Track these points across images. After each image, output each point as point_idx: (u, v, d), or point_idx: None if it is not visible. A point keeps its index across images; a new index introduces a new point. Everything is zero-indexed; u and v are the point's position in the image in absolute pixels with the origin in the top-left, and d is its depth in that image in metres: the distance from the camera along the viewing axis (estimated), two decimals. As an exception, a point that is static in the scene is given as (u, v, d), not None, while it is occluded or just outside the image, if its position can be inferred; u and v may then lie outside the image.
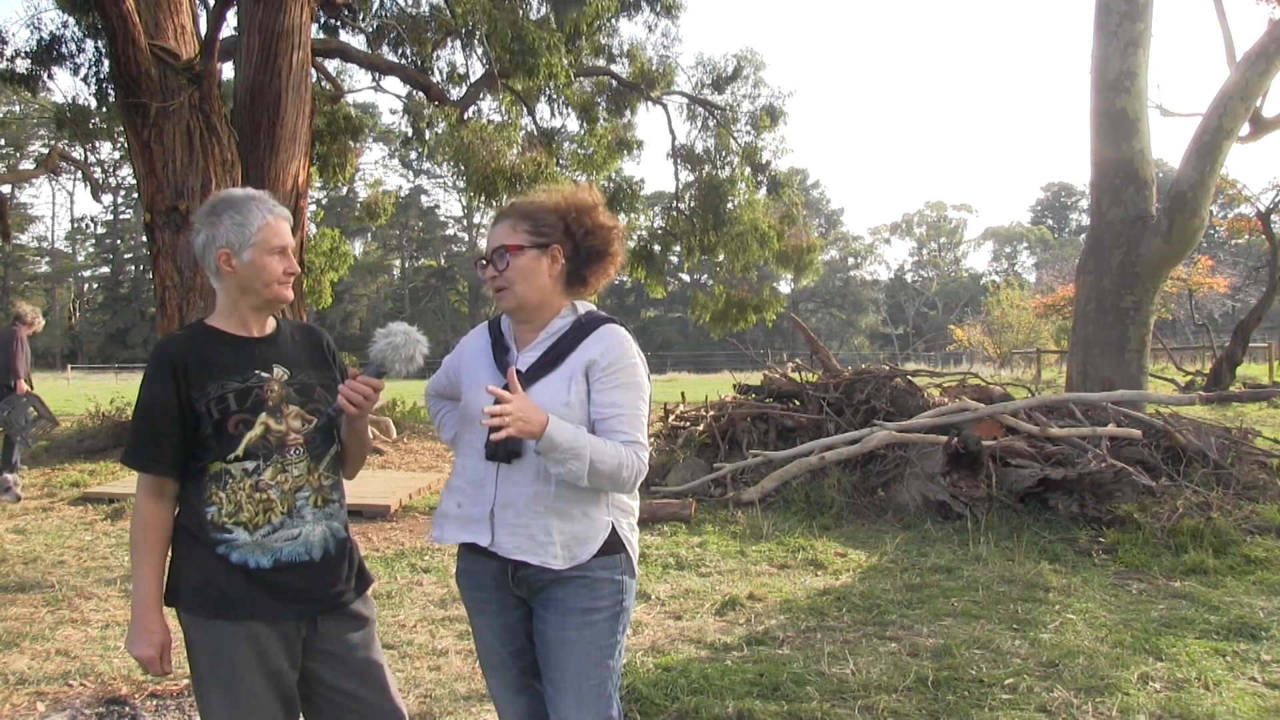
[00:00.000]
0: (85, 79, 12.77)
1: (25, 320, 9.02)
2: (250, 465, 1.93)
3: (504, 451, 1.96)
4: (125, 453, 1.95)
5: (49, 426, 9.14)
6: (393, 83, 23.35)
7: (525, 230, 2.05)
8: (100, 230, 64.71)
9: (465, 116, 14.52)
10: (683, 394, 11.40)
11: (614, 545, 2.03)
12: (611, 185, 17.34)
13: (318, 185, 19.67)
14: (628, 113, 17.95)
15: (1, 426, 8.79)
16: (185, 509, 1.96)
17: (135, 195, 24.10)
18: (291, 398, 2.00)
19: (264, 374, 1.99)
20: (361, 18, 15.14)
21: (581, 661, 2.00)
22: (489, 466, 2.01)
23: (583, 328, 2.06)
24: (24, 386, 8.79)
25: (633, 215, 18.08)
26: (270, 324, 2.08)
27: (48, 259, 64.66)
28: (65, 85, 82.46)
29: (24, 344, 8.87)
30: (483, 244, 2.17)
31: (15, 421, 8.57)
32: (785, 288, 54.57)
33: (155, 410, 1.91)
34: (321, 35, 13.96)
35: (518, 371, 2.03)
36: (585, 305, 2.14)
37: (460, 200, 61.28)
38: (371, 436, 10.87)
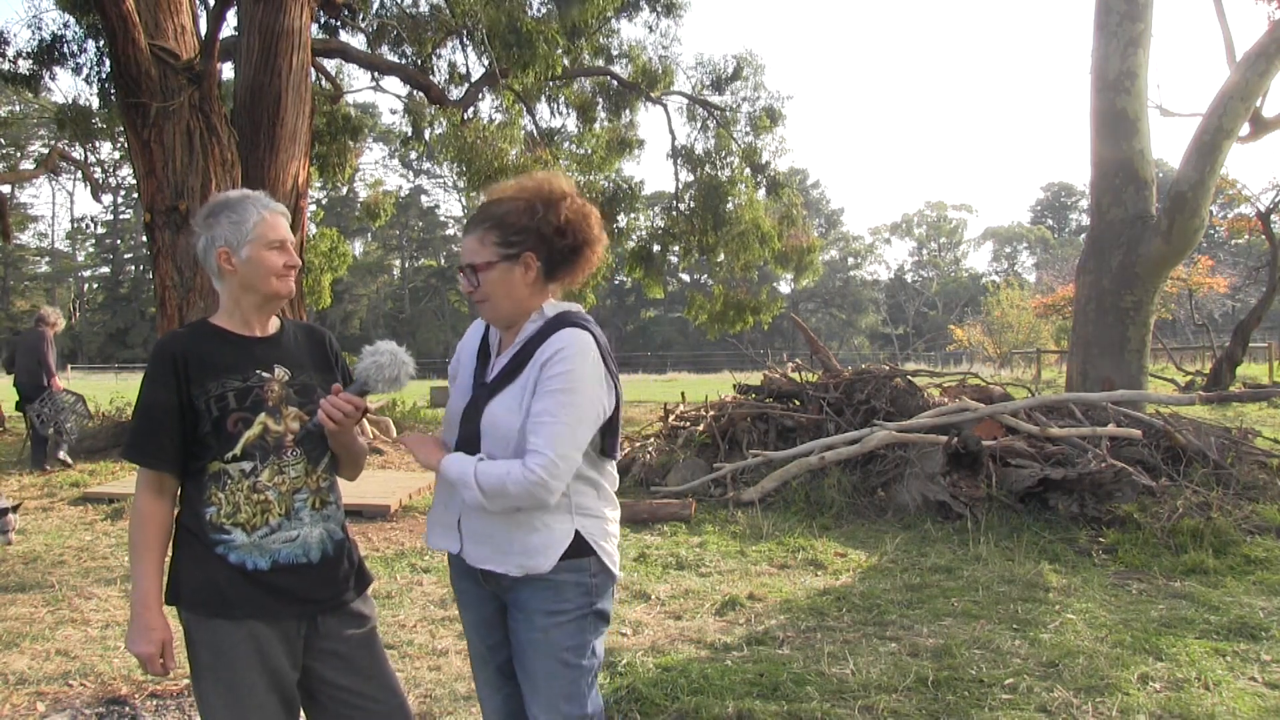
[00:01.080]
0: (86, 79, 12.83)
1: (49, 321, 9.65)
2: (247, 466, 1.93)
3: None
4: (126, 447, 1.95)
5: (83, 421, 9.72)
6: (393, 83, 23.37)
7: (494, 242, 1.98)
8: (100, 230, 64.71)
9: (465, 116, 14.53)
10: (683, 394, 11.40)
11: (580, 549, 1.98)
12: (611, 185, 17.35)
13: (317, 185, 19.67)
14: (627, 113, 17.97)
15: (38, 421, 9.21)
16: (186, 509, 1.97)
17: (135, 195, 24.09)
18: (291, 399, 2.01)
19: (265, 374, 1.99)
20: (361, 18, 15.15)
21: (549, 663, 1.99)
22: None
23: (544, 333, 1.99)
24: (59, 384, 9.43)
25: (632, 215, 18.09)
26: (274, 324, 2.09)
27: (48, 259, 64.62)
28: (66, 85, 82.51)
29: (51, 344, 9.48)
30: None
31: (57, 419, 9.16)
32: (785, 288, 54.61)
33: (156, 406, 1.92)
34: (321, 35, 13.97)
35: (484, 384, 2.04)
36: (558, 306, 2.06)
37: (460, 200, 61.22)
38: (371, 437, 10.88)
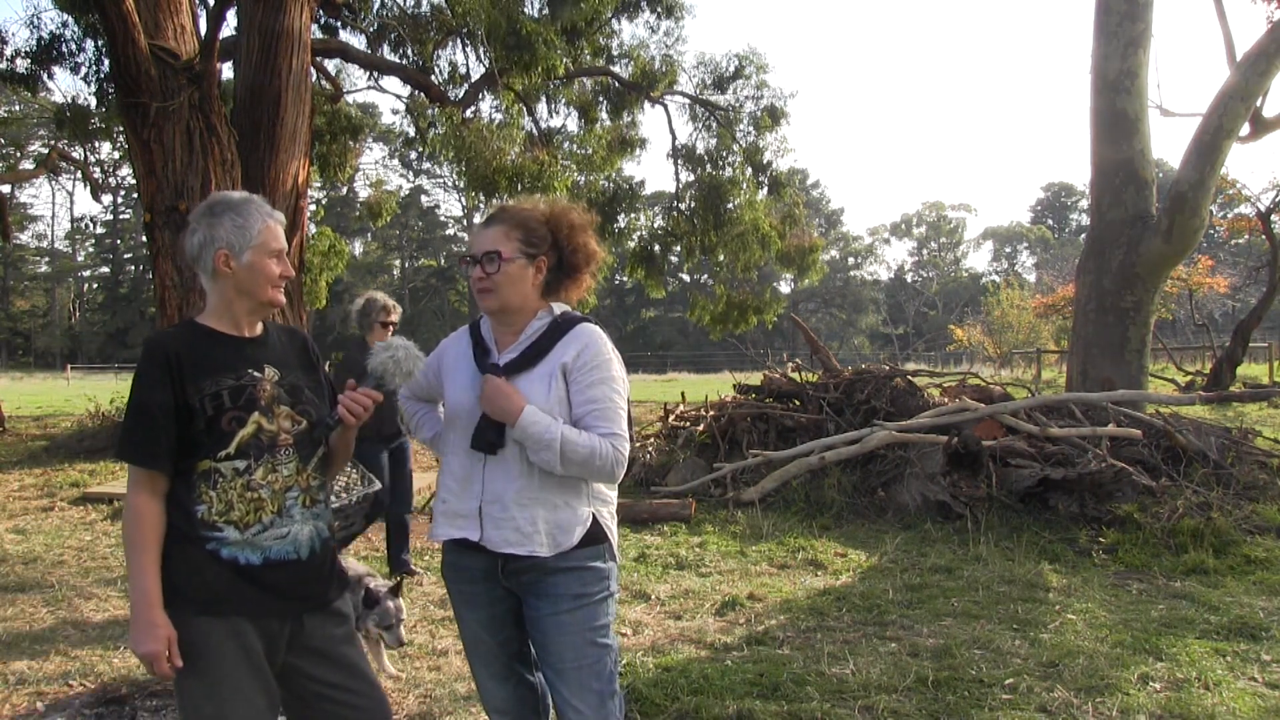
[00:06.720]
0: (85, 79, 12.78)
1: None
2: (241, 464, 1.95)
3: (486, 442, 2.06)
4: (121, 448, 1.94)
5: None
6: (393, 83, 23.35)
7: (518, 239, 2.13)
8: (100, 230, 64.70)
9: (466, 116, 14.52)
10: (683, 394, 11.39)
11: (596, 535, 2.13)
12: (611, 185, 17.31)
13: (317, 185, 19.67)
14: (628, 113, 17.92)
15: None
16: (173, 507, 1.96)
17: (135, 195, 24.06)
18: (282, 398, 2.03)
19: (256, 373, 2.01)
20: (362, 18, 15.13)
21: (578, 645, 2.09)
22: (475, 463, 2.10)
23: (559, 328, 2.16)
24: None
25: (633, 215, 18.07)
26: (259, 326, 2.11)
27: (48, 259, 64.62)
28: (65, 85, 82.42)
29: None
30: None
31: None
32: (786, 288, 54.57)
33: (151, 405, 1.92)
34: (321, 35, 13.95)
35: (496, 366, 2.12)
36: (561, 306, 2.22)
37: (460, 200, 61.28)
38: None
